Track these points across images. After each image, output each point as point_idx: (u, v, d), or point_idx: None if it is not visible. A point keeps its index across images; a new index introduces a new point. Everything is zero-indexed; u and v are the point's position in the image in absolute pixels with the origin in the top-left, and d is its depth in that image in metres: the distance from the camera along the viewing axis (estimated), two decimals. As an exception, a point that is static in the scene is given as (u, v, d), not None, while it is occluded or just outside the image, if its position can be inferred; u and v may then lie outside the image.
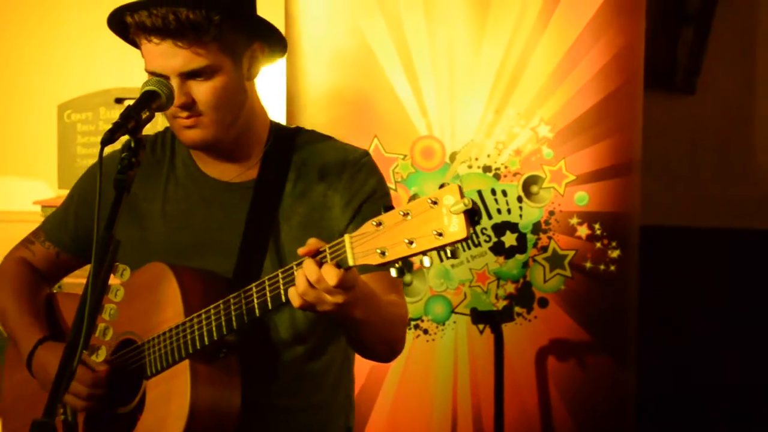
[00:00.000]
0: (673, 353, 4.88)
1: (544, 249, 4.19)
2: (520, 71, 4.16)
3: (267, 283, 2.30)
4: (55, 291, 4.40)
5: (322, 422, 2.69)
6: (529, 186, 4.20)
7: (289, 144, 2.65)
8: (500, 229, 4.19)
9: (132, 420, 2.50)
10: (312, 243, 2.21)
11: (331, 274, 2.17)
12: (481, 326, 4.14)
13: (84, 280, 2.83)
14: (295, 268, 2.24)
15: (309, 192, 2.58)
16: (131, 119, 2.30)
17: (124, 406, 2.54)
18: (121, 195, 2.27)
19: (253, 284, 2.32)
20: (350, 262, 2.13)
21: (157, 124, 5.08)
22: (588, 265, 4.19)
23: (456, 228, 1.96)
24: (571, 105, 4.17)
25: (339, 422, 2.74)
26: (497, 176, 4.19)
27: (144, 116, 2.34)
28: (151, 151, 2.71)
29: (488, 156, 4.19)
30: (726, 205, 5.04)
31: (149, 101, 2.38)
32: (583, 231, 4.19)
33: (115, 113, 5.15)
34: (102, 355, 2.49)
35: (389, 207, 2.09)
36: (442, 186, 1.99)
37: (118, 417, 2.53)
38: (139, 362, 2.51)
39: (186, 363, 2.41)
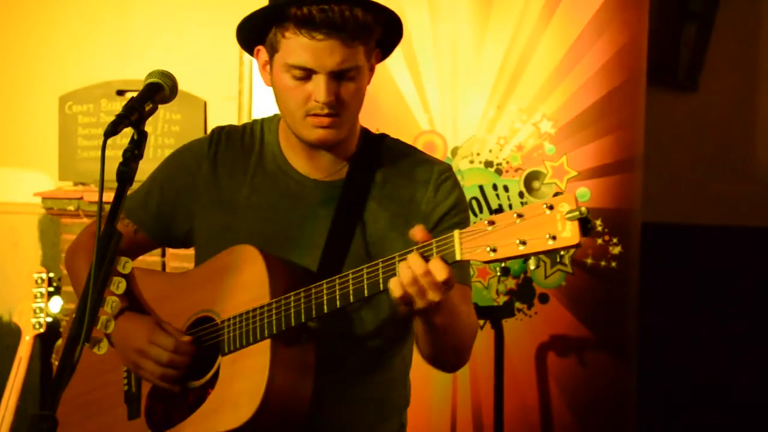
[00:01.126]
0: (674, 350, 4.88)
1: (546, 245, 4.19)
2: (522, 67, 4.18)
3: (365, 270, 2.34)
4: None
5: (380, 417, 2.75)
6: (530, 181, 4.21)
7: (377, 149, 2.69)
8: (501, 225, 4.19)
9: (201, 394, 2.54)
10: (419, 229, 2.26)
11: (439, 268, 2.22)
12: (481, 321, 4.14)
13: (160, 258, 2.90)
14: (397, 259, 2.29)
15: (394, 197, 2.63)
16: (135, 111, 2.29)
17: (194, 380, 2.57)
18: (123, 186, 2.26)
19: (350, 271, 2.36)
20: (457, 257, 2.18)
21: (158, 117, 5.10)
22: (589, 261, 4.20)
23: (569, 234, 2.02)
24: (573, 101, 4.18)
25: (395, 419, 2.81)
26: (499, 171, 4.20)
27: (147, 108, 2.32)
28: (240, 141, 2.74)
29: (490, 151, 4.19)
30: (728, 202, 5.05)
31: (153, 93, 2.36)
32: (584, 227, 4.19)
33: (117, 105, 5.15)
34: (104, 347, 2.49)
35: (499, 209, 2.14)
36: (557, 194, 2.04)
37: (187, 391, 2.57)
38: (217, 339, 2.54)
39: (267, 343, 2.45)
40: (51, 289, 4.68)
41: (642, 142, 4.26)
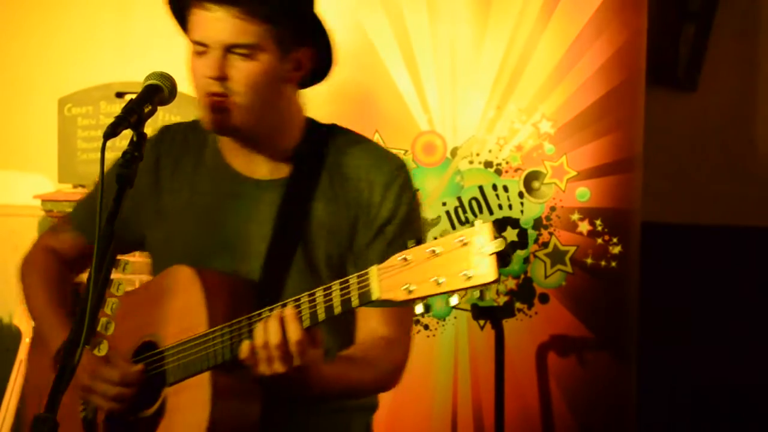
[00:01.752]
0: (674, 350, 4.88)
1: (545, 245, 4.20)
2: (522, 67, 4.18)
3: (307, 300, 2.27)
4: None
5: (344, 424, 2.68)
6: (530, 182, 4.21)
7: (323, 143, 2.59)
8: (501, 224, 4.19)
9: (152, 425, 2.47)
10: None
11: (294, 330, 2.21)
12: (481, 322, 4.15)
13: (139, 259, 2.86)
14: (338, 288, 2.22)
15: (341, 197, 2.54)
16: (134, 113, 2.28)
17: (144, 409, 2.51)
18: (123, 190, 2.25)
19: (291, 300, 2.28)
20: (374, 296, 2.11)
21: (158, 119, 5.09)
22: (589, 261, 4.20)
23: (485, 270, 1.94)
24: (572, 101, 4.18)
25: (361, 423, 2.74)
26: (498, 172, 4.20)
27: (146, 110, 2.31)
28: (184, 139, 2.68)
29: (489, 151, 4.19)
30: (728, 202, 5.05)
31: (152, 95, 2.34)
32: (584, 227, 4.20)
33: (116, 107, 5.13)
34: (104, 349, 2.45)
35: (419, 239, 2.07)
36: (472, 224, 1.98)
37: (138, 420, 2.51)
38: (161, 368, 2.47)
39: (207, 375, 2.38)
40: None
41: (641, 142, 4.26)
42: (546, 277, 4.20)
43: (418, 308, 2.07)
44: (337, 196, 2.55)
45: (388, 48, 4.17)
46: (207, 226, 2.60)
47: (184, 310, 2.46)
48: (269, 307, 2.28)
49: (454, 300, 2.02)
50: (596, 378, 4.19)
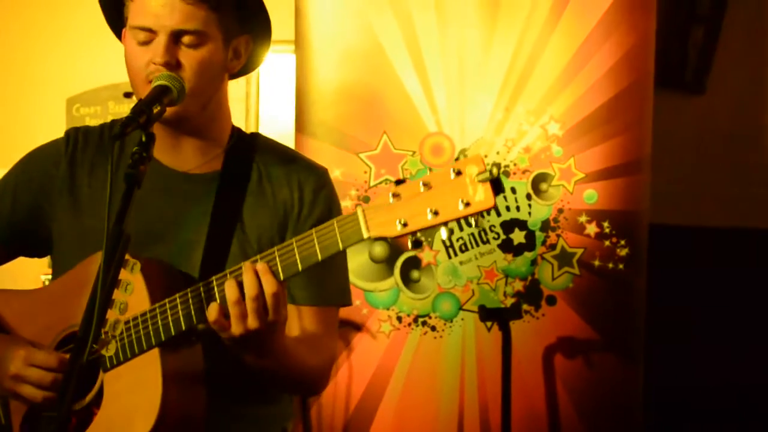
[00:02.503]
0: (681, 351, 4.88)
1: (553, 247, 4.20)
2: (530, 69, 4.18)
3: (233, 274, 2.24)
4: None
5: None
6: (538, 183, 4.20)
7: (251, 145, 2.61)
8: (509, 226, 4.20)
9: (86, 416, 2.39)
10: None
11: (269, 282, 2.18)
12: (489, 323, 4.15)
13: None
14: (276, 253, 2.20)
15: (269, 196, 2.54)
16: (143, 114, 2.26)
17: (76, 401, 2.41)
18: (131, 189, 2.23)
19: (259, 255, 2.24)
20: (365, 235, 2.08)
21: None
22: (596, 263, 4.20)
23: (482, 197, 1.96)
24: (580, 103, 4.18)
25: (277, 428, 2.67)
26: (506, 173, 4.20)
27: (155, 111, 2.31)
28: (99, 140, 2.63)
29: (497, 153, 4.19)
30: (735, 204, 5.05)
31: (161, 96, 2.34)
32: (591, 229, 4.19)
33: (124, 107, 5.16)
34: (112, 349, 2.38)
35: (402, 179, 2.06)
36: (462, 156, 1.99)
37: (71, 413, 2.40)
38: (95, 356, 2.35)
39: (155, 352, 2.32)
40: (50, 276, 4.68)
41: (649, 144, 4.25)
42: (553, 279, 4.20)
43: (408, 244, 2.04)
44: (265, 195, 2.55)
45: (397, 49, 4.18)
46: (136, 219, 2.44)
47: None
48: (230, 269, 2.24)
49: (444, 234, 2.02)
50: (603, 380, 4.19)
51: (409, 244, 2.05)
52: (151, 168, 2.46)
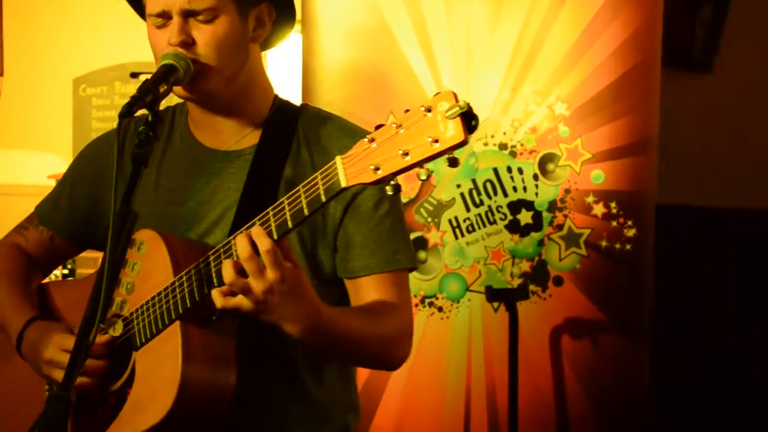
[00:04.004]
0: (688, 332, 4.88)
1: (560, 227, 4.20)
2: (536, 49, 4.17)
3: (259, 221, 2.20)
4: (70, 263, 4.38)
5: (316, 421, 2.56)
6: (545, 164, 4.20)
7: (293, 117, 2.56)
8: (516, 207, 4.20)
9: (122, 396, 2.38)
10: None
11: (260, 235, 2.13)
12: (495, 304, 4.15)
13: (97, 254, 2.79)
14: (270, 213, 2.16)
15: (308, 163, 2.48)
16: (149, 93, 2.26)
17: (114, 382, 2.42)
18: (138, 168, 2.22)
19: (256, 219, 2.20)
20: (343, 184, 2.03)
21: (172, 98, 5.11)
22: (603, 243, 4.20)
23: (452, 132, 1.87)
24: (587, 83, 4.17)
25: (334, 422, 2.61)
26: (513, 154, 4.20)
27: (162, 90, 2.30)
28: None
29: (504, 133, 4.19)
30: (743, 184, 5.05)
31: (167, 75, 2.33)
32: (599, 209, 4.19)
33: (130, 87, 5.17)
34: (119, 329, 2.39)
35: (381, 125, 2.00)
36: (436, 94, 1.90)
37: (107, 395, 2.42)
38: (128, 334, 2.39)
39: (176, 326, 2.29)
40: (66, 271, 4.69)
41: (657, 124, 4.25)
42: (560, 259, 4.20)
43: (387, 190, 1.98)
44: (305, 162, 2.49)
45: (403, 28, 4.17)
46: (177, 202, 2.55)
47: (150, 271, 2.39)
48: (236, 233, 2.20)
49: (422, 175, 1.95)
50: (610, 360, 4.19)
51: (389, 189, 1.99)
52: (190, 149, 2.58)
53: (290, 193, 2.14)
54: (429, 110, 1.89)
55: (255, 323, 2.26)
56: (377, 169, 1.97)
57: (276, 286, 2.13)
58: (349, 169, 2.02)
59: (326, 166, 2.07)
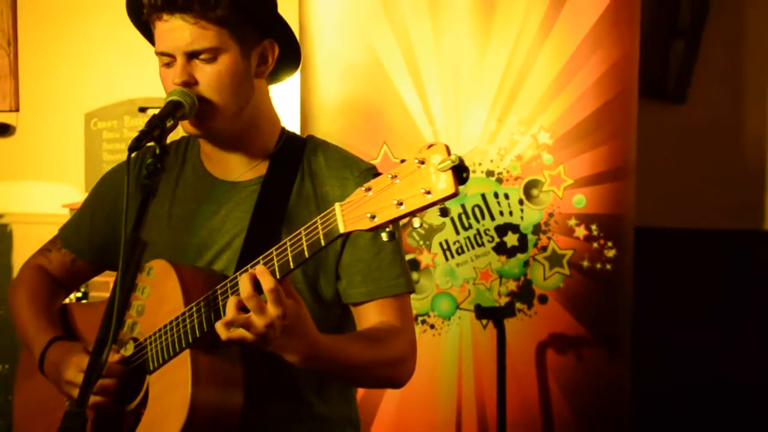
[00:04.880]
0: (665, 346, 4.89)
1: (544, 249, 4.20)
2: (521, 81, 4.18)
3: (262, 260, 2.20)
4: (83, 287, 4.39)
5: None
6: (529, 189, 4.21)
7: (299, 150, 2.56)
8: (502, 230, 4.21)
9: (136, 417, 2.40)
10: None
11: (265, 277, 2.12)
12: (484, 321, 4.16)
13: (108, 279, 2.80)
14: (288, 244, 2.14)
15: (313, 196, 2.49)
16: (156, 127, 2.28)
17: (131, 402, 2.44)
18: (147, 199, 2.25)
19: (249, 265, 2.21)
20: (341, 230, 2.03)
21: (178, 132, 5.12)
22: (585, 264, 4.21)
23: (444, 185, 1.87)
24: (569, 113, 4.18)
25: None
26: (500, 180, 4.20)
27: (168, 125, 2.32)
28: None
29: (491, 161, 4.20)
30: (715, 207, 5.06)
31: (174, 111, 2.34)
32: (580, 232, 4.20)
33: (139, 121, 5.17)
34: (129, 349, 2.42)
35: (378, 173, 2.01)
36: (429, 146, 1.92)
37: (125, 414, 2.43)
38: (142, 358, 2.41)
39: (186, 353, 2.30)
40: (79, 294, 4.68)
41: (634, 151, 4.26)
42: (545, 279, 4.20)
43: (383, 236, 1.99)
44: (308, 193, 2.50)
45: (395, 65, 4.18)
46: (184, 231, 2.56)
47: (162, 299, 2.40)
48: (242, 270, 2.21)
49: (416, 223, 1.96)
50: (592, 374, 4.19)
51: (384, 236, 2.00)
52: (201, 179, 2.58)
53: (292, 236, 2.15)
54: (423, 162, 1.91)
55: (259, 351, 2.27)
56: (373, 217, 1.97)
57: (277, 322, 2.14)
58: (347, 216, 2.02)
59: (326, 212, 2.08)
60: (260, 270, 2.14)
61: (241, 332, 2.16)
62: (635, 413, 4.31)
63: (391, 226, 1.99)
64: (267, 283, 2.12)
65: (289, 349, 2.21)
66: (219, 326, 2.18)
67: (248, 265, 2.20)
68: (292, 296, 2.18)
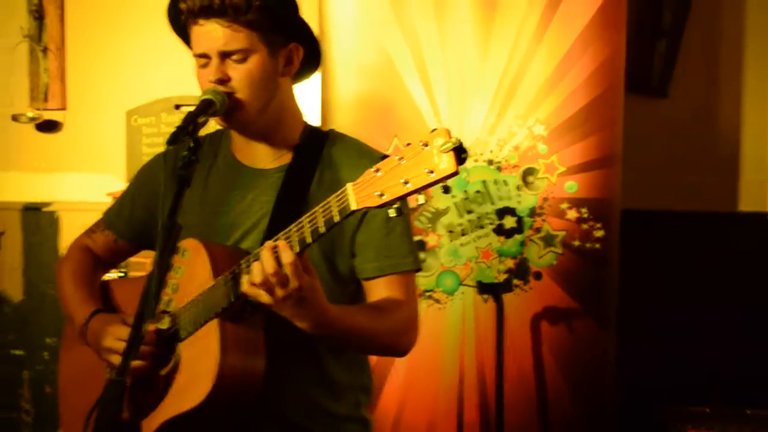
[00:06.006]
0: (649, 318, 4.89)
1: (539, 230, 4.20)
2: (519, 79, 4.18)
3: (288, 233, 2.21)
4: (124, 267, 4.42)
5: (331, 398, 2.59)
6: (526, 176, 4.21)
7: (320, 142, 2.58)
8: (501, 213, 4.21)
9: (169, 380, 2.42)
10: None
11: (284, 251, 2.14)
12: (485, 296, 4.16)
13: (145, 260, 2.83)
14: (306, 221, 2.17)
15: (332, 182, 2.49)
16: (191, 123, 2.31)
17: (162, 369, 2.46)
18: (182, 188, 2.28)
19: (272, 239, 2.23)
20: (353, 207, 2.05)
21: (209, 127, 5.11)
22: (576, 243, 4.21)
23: (446, 165, 1.90)
24: (562, 107, 4.18)
25: (348, 399, 2.63)
26: (499, 168, 4.21)
27: (201, 121, 2.35)
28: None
29: (491, 151, 4.21)
30: (695, 190, 5.05)
31: (206, 108, 2.38)
32: (572, 214, 4.20)
33: (175, 118, 5.16)
34: (165, 323, 2.44)
35: (385, 155, 2.05)
36: (433, 131, 1.95)
37: (158, 378, 2.45)
38: (174, 327, 2.43)
39: (215, 322, 2.33)
40: (121, 273, 4.69)
41: (621, 141, 4.25)
42: (539, 257, 4.21)
43: (391, 212, 2.02)
44: (327, 181, 2.51)
45: (405, 65, 4.18)
46: (215, 213, 2.58)
47: (194, 275, 2.42)
48: (274, 239, 2.22)
49: (420, 199, 2.01)
50: (582, 342, 4.20)
51: (392, 212, 2.02)
52: (231, 168, 2.60)
53: (309, 213, 2.17)
54: (426, 144, 1.93)
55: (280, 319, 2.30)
56: (382, 195, 1.99)
57: (294, 293, 2.18)
58: (358, 195, 2.04)
59: (339, 192, 2.09)
60: (281, 245, 2.17)
61: (259, 292, 2.20)
62: (620, 378, 4.31)
63: (399, 203, 2.01)
64: (287, 257, 2.15)
65: (301, 317, 2.25)
66: (245, 281, 2.22)
67: (271, 240, 2.23)
68: (308, 271, 2.21)
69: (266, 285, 2.18)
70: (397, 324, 2.48)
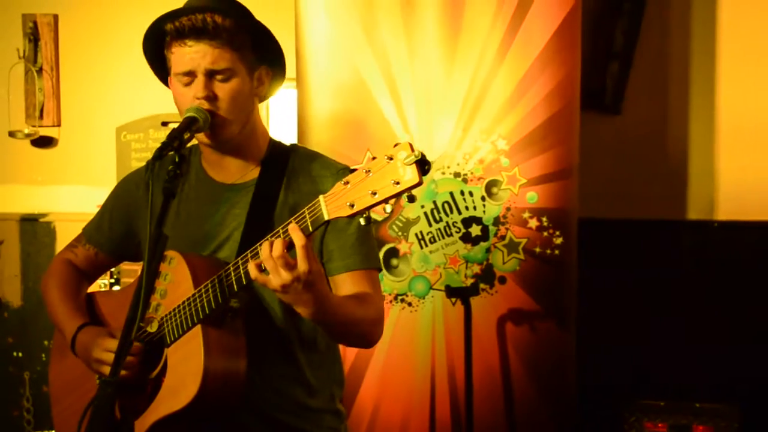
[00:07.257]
0: (605, 319, 4.89)
1: (503, 238, 4.19)
2: (482, 97, 4.17)
3: (249, 254, 2.22)
4: (116, 273, 4.36)
5: (306, 394, 2.58)
6: (490, 188, 4.20)
7: (285, 155, 2.58)
8: (468, 222, 4.20)
9: (157, 384, 2.42)
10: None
11: (297, 236, 2.12)
12: (453, 300, 4.14)
13: (136, 267, 2.79)
14: (271, 238, 2.16)
15: (297, 192, 2.50)
16: (176, 139, 2.30)
17: (150, 373, 2.47)
18: (168, 200, 2.26)
19: (248, 251, 2.23)
20: (326, 217, 2.07)
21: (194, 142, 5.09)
22: (537, 250, 4.20)
23: (410, 176, 1.92)
24: (523, 123, 4.17)
25: (323, 394, 2.62)
26: (465, 180, 4.20)
27: (186, 137, 2.33)
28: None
29: (458, 164, 4.19)
30: (646, 200, 5.06)
31: (190, 125, 2.36)
32: (533, 223, 4.19)
33: (162, 134, 5.14)
34: (155, 326, 2.43)
35: (354, 169, 2.04)
36: (396, 145, 1.95)
37: (146, 383, 2.45)
38: (160, 334, 2.42)
39: (198, 328, 2.32)
40: (112, 280, 4.66)
41: (577, 155, 4.25)
42: (504, 263, 4.19)
43: (361, 221, 2.03)
44: (293, 191, 2.50)
45: (377, 84, 4.17)
46: (191, 225, 2.56)
47: (177, 284, 2.41)
48: (251, 250, 2.21)
49: (388, 209, 1.99)
50: (545, 342, 4.19)
51: (362, 220, 2.03)
52: (203, 183, 2.59)
53: (284, 224, 2.15)
54: (391, 158, 1.94)
55: (263, 316, 2.31)
56: (352, 205, 2.01)
57: (303, 276, 2.14)
58: (330, 206, 2.06)
59: (312, 204, 2.10)
60: (293, 227, 2.14)
61: (267, 277, 2.16)
62: (579, 374, 4.31)
63: (367, 212, 2.02)
64: (299, 239, 2.12)
65: (306, 302, 2.20)
66: (252, 265, 2.18)
67: (251, 248, 2.22)
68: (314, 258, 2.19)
69: (273, 266, 2.13)
70: (373, 314, 2.47)
